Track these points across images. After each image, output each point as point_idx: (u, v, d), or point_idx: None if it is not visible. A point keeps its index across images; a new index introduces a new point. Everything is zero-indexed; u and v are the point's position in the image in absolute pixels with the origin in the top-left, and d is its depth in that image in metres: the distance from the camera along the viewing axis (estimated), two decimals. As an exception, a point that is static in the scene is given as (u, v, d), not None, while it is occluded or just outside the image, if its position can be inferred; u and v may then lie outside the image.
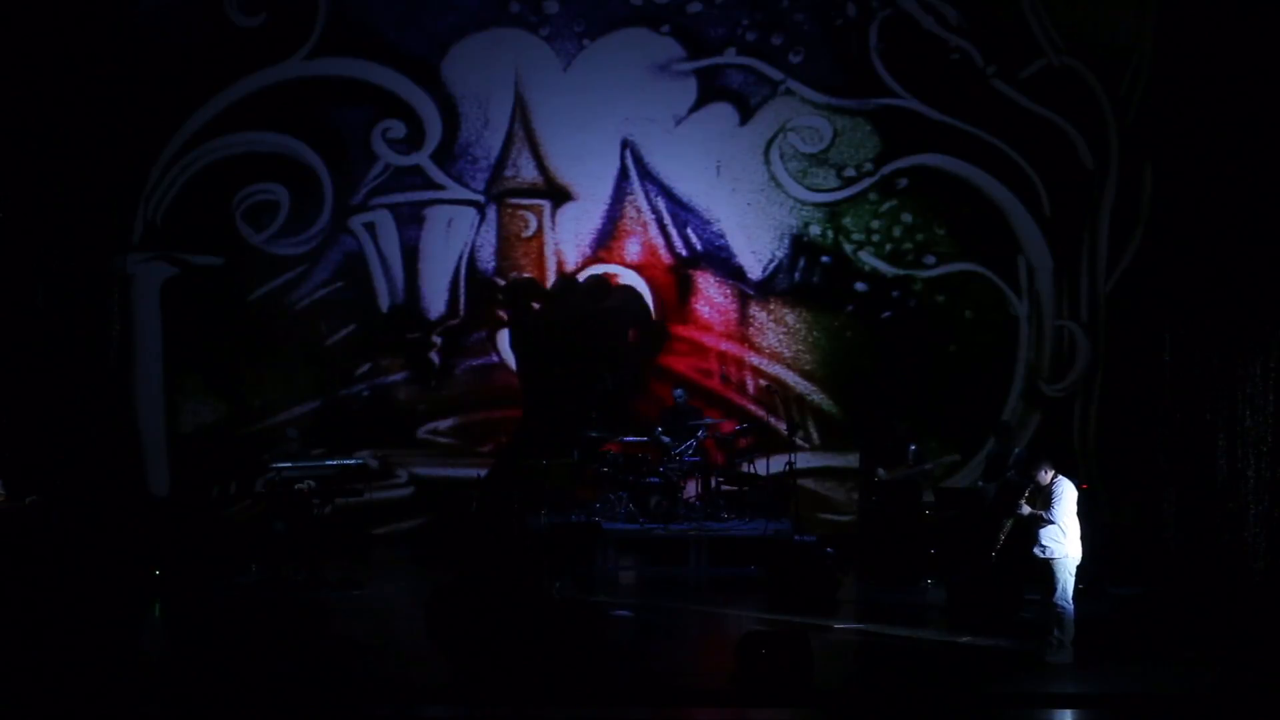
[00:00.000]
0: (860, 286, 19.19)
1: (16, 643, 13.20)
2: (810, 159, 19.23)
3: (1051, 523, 12.96)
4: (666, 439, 18.12)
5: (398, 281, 19.34)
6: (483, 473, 18.41)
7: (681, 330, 19.33)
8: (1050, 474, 13.13)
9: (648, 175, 19.29)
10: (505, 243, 19.42)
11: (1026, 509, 13.09)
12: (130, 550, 16.26)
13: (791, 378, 19.28)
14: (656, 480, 18.00)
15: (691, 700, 12.37)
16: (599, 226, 19.37)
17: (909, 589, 16.43)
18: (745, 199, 19.28)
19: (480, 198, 19.37)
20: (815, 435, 19.19)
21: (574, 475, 17.81)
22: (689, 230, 19.33)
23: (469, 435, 19.32)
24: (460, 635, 12.72)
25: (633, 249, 19.36)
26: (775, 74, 19.13)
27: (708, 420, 18.50)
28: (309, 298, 19.31)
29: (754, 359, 19.31)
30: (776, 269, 19.29)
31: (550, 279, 19.38)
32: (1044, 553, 12.99)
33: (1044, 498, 13.07)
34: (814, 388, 19.27)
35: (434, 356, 19.33)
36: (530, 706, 12.04)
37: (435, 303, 19.37)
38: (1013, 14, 18.86)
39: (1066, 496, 13.05)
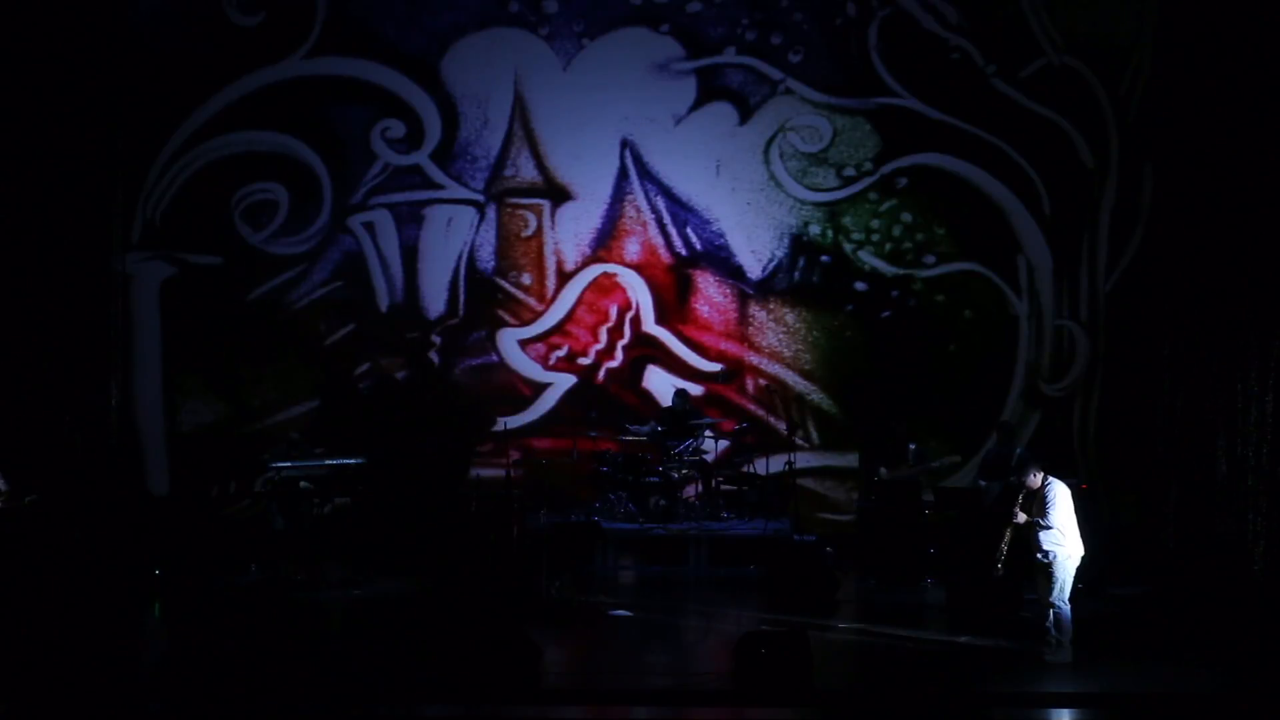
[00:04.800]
0: (860, 286, 19.19)
1: (16, 642, 13.20)
2: (810, 158, 19.23)
3: (1049, 528, 12.94)
4: (652, 430, 18.10)
5: (397, 281, 19.33)
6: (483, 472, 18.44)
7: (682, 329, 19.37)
8: (1040, 477, 13.10)
9: (647, 175, 19.29)
10: (505, 242, 19.42)
11: (1022, 517, 13.08)
12: (130, 550, 16.26)
13: (791, 377, 19.28)
14: (656, 480, 18.00)
15: (691, 700, 12.36)
16: (598, 226, 19.37)
17: (909, 589, 16.42)
18: (745, 198, 19.28)
19: (480, 197, 19.37)
20: (815, 435, 19.19)
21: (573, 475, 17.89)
22: (688, 230, 19.32)
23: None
24: (457, 637, 12.71)
25: (632, 248, 19.36)
26: (775, 73, 19.13)
27: (707, 420, 18.49)
28: (308, 297, 19.30)
29: (754, 358, 19.32)
30: (776, 268, 19.29)
31: (550, 278, 19.37)
32: (1046, 557, 12.97)
33: (1038, 503, 13.04)
34: (814, 387, 19.27)
35: (433, 356, 19.33)
36: (530, 706, 12.04)
37: (435, 302, 19.36)
38: (1012, 13, 18.86)
39: (1060, 498, 13.02)
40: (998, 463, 16.74)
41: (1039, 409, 19.04)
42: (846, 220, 19.23)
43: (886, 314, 19.16)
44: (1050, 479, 13.12)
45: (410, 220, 19.33)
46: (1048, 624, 13.02)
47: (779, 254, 19.27)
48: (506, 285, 19.41)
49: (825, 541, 16.91)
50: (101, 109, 18.37)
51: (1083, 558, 13.11)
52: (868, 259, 19.18)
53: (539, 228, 19.40)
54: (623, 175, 19.32)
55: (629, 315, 19.38)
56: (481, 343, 19.38)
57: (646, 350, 19.38)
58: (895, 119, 19.04)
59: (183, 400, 19.19)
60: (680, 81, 19.22)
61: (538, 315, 19.40)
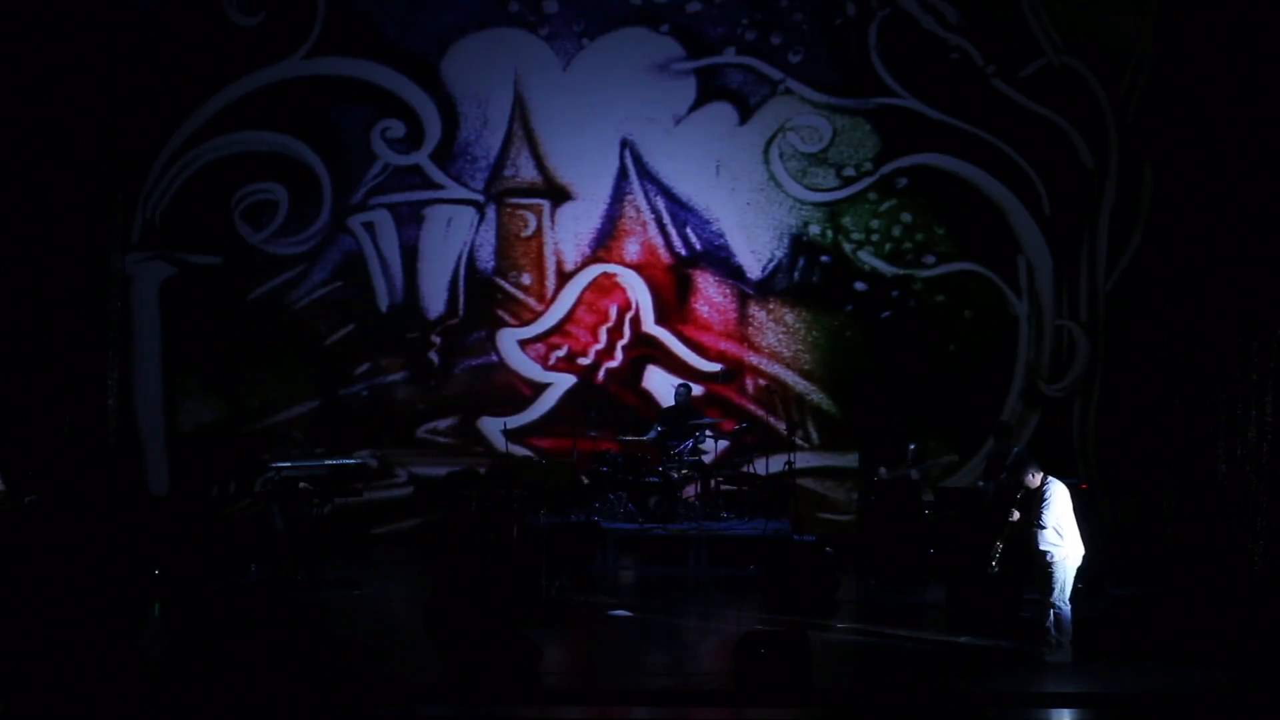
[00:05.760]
0: (860, 286, 19.20)
1: (16, 642, 13.20)
2: (810, 158, 19.24)
3: (1043, 527, 12.91)
4: (657, 435, 18.13)
5: (397, 281, 19.34)
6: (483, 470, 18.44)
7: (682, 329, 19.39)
8: (1039, 477, 13.06)
9: (647, 175, 19.30)
10: (504, 242, 19.42)
11: (1016, 515, 13.06)
12: (130, 550, 16.25)
13: (791, 377, 19.28)
14: (656, 480, 18.00)
15: (691, 700, 12.36)
16: (598, 226, 19.38)
17: (909, 589, 16.41)
18: (745, 198, 19.29)
19: (479, 197, 19.37)
20: (815, 435, 19.19)
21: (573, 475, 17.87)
22: (688, 230, 19.33)
23: (468, 435, 19.32)
24: (460, 635, 12.70)
25: (632, 249, 19.37)
26: (775, 73, 19.14)
27: (708, 420, 18.49)
28: (308, 297, 19.31)
29: (753, 358, 19.33)
30: (776, 268, 19.30)
31: (550, 278, 19.37)
32: (1044, 557, 12.96)
33: (1035, 502, 13.02)
34: (813, 387, 19.27)
35: (433, 356, 19.33)
36: (530, 706, 12.04)
37: (434, 302, 19.37)
38: (1012, 13, 18.89)
39: (1057, 498, 12.98)
40: (996, 462, 16.75)
41: (1039, 409, 19.05)
42: (846, 220, 19.24)
43: (886, 314, 19.17)
44: (1050, 479, 13.09)
45: (410, 220, 19.34)
46: (1048, 624, 13.00)
47: (779, 254, 19.28)
48: (506, 285, 19.42)
49: (825, 541, 16.91)
50: (101, 109, 18.36)
51: (1083, 557, 13.09)
52: (867, 259, 19.18)
53: (539, 228, 19.41)
54: (622, 175, 19.33)
55: (629, 315, 19.39)
56: (481, 343, 19.39)
57: (646, 350, 19.39)
58: (895, 119, 19.05)
59: (183, 400, 19.20)
60: (680, 81, 19.22)
61: (537, 315, 19.41)
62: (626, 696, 12.40)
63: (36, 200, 17.75)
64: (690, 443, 18.12)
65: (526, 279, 19.42)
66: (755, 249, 19.29)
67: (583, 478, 18.17)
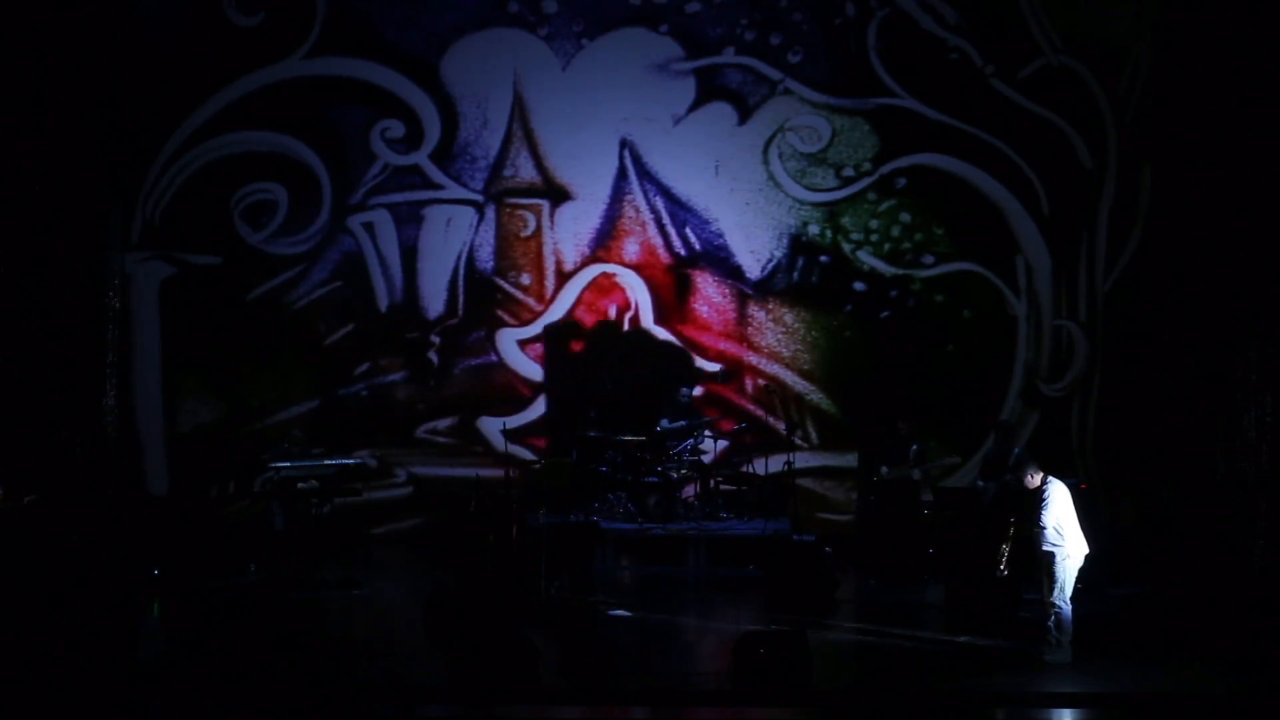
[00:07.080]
0: (859, 286, 19.20)
1: (15, 643, 13.20)
2: (809, 158, 19.24)
3: (1043, 527, 12.92)
4: (667, 426, 18.15)
5: (396, 281, 19.34)
6: (483, 472, 18.41)
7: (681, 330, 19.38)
8: (1038, 477, 13.08)
9: (646, 175, 19.30)
10: (504, 242, 19.43)
11: (1014, 517, 13.09)
12: (129, 550, 16.25)
13: (790, 377, 19.29)
14: (655, 480, 17.99)
15: (691, 700, 12.36)
16: (598, 226, 19.38)
17: (908, 589, 16.42)
18: (744, 198, 19.29)
19: (479, 197, 19.38)
20: (814, 435, 19.20)
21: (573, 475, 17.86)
22: (688, 230, 19.33)
23: (468, 435, 19.33)
24: (460, 635, 12.71)
25: (631, 249, 19.37)
26: (774, 73, 19.15)
27: (707, 419, 18.50)
28: (307, 297, 19.31)
29: (753, 359, 19.33)
30: (775, 269, 19.30)
31: (549, 278, 19.38)
32: (1046, 556, 12.97)
33: (1034, 502, 13.03)
34: (812, 387, 19.28)
35: (433, 356, 19.33)
36: (530, 706, 12.04)
37: (434, 302, 19.37)
38: (1011, 14, 18.89)
39: (1057, 498, 13.00)
40: (996, 462, 16.74)
41: (1038, 409, 19.06)
42: (845, 220, 19.24)
43: (885, 314, 19.17)
44: (1050, 479, 13.10)
45: (410, 220, 19.35)
46: (1049, 624, 13.01)
47: (778, 254, 19.28)
48: (506, 285, 19.42)
49: (825, 541, 16.91)
50: (101, 109, 18.35)
51: (1085, 557, 13.09)
52: (867, 259, 19.19)
53: (538, 228, 19.41)
54: (622, 175, 19.33)
55: (628, 315, 19.39)
56: (481, 343, 19.39)
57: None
58: (894, 119, 19.05)
59: (182, 400, 19.20)
60: (679, 82, 19.23)
61: (537, 315, 19.41)
62: (626, 696, 12.41)
63: (36, 200, 17.73)
64: (690, 443, 18.13)
65: (526, 279, 19.42)
66: (754, 249, 19.30)
67: (602, 468, 18.13)
